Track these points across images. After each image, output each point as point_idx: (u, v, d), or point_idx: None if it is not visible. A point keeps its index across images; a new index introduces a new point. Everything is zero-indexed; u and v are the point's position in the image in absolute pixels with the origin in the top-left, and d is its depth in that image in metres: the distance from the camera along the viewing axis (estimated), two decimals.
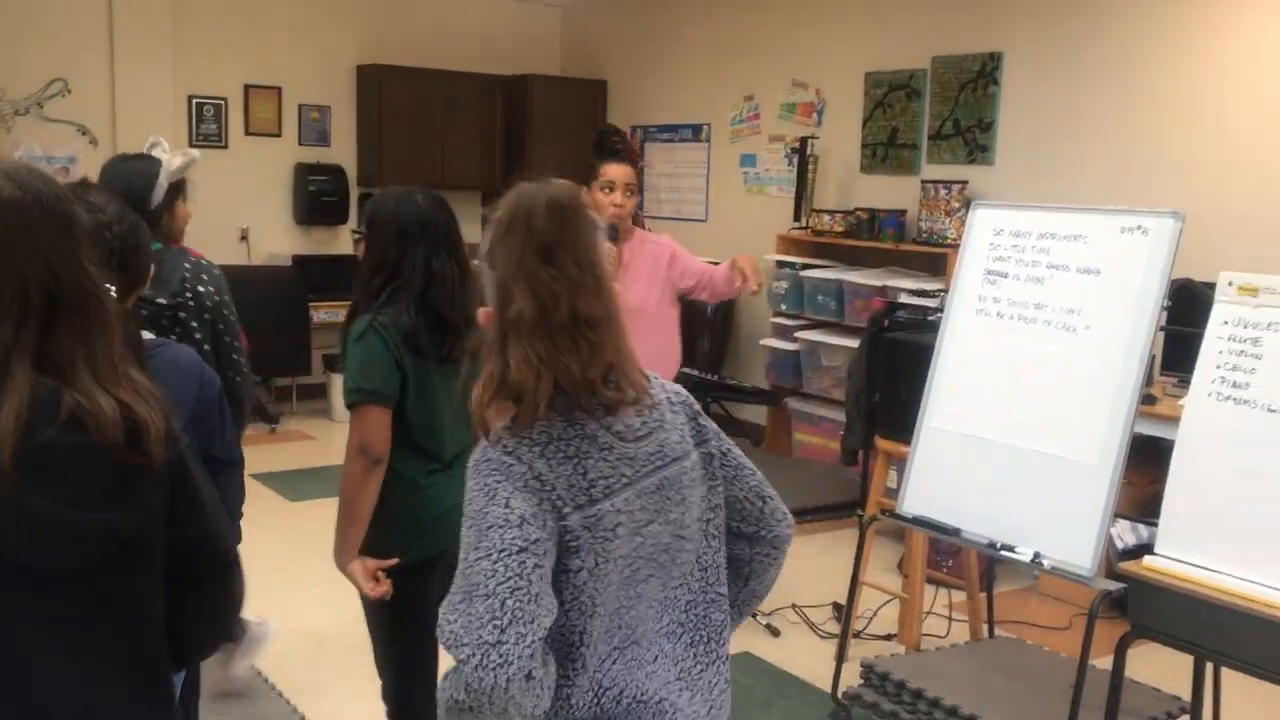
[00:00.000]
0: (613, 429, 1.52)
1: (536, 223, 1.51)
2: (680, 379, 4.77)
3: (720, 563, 1.67)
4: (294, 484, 6.17)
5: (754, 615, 4.47)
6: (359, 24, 8.11)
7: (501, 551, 1.39)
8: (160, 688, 1.41)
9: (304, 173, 7.95)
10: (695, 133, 7.98)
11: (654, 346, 3.66)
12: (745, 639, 4.36)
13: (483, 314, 1.56)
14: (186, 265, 3.05)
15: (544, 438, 1.47)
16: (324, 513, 5.63)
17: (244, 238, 7.80)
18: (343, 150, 8.18)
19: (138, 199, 2.90)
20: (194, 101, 7.60)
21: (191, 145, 7.62)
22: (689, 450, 1.62)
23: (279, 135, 7.93)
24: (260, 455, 6.72)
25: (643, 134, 8.42)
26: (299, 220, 8.01)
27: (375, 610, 2.67)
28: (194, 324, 3.02)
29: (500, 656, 1.35)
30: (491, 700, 1.35)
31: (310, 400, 7.89)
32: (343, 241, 8.16)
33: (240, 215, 7.79)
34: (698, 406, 1.72)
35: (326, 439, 7.27)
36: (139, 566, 1.35)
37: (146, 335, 2.23)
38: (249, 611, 3.65)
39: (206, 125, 7.67)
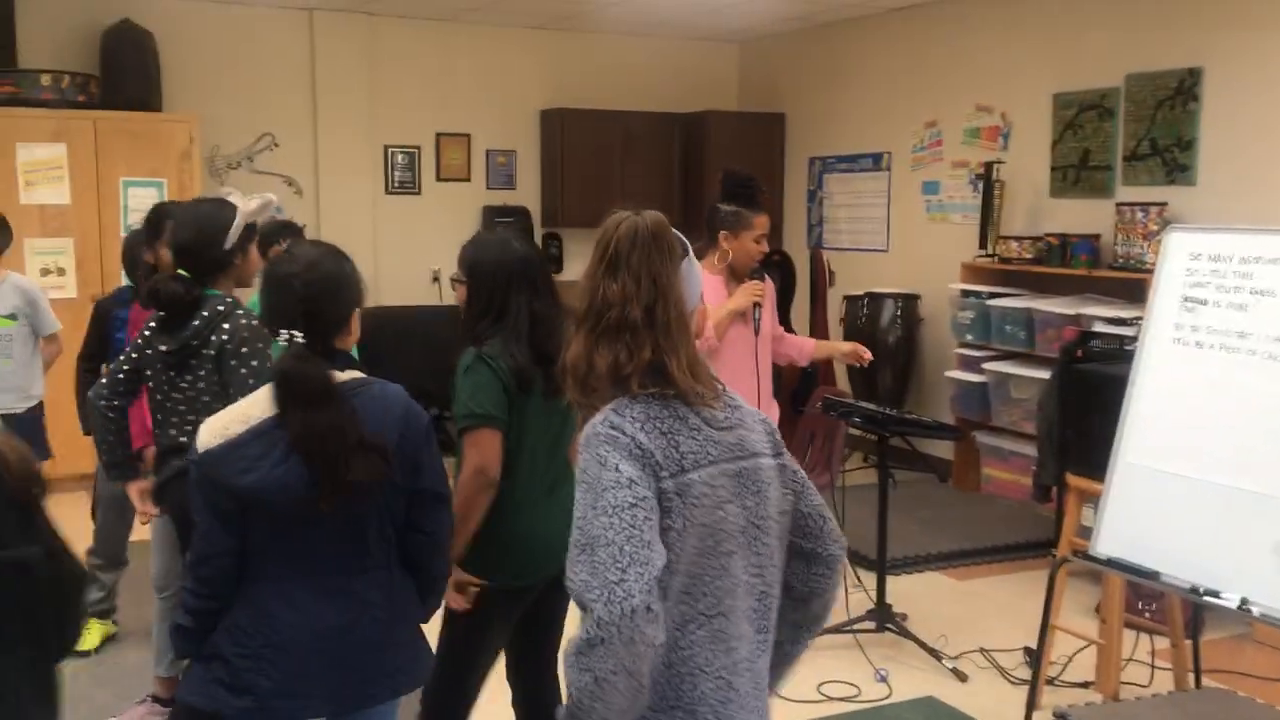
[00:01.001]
0: (701, 414, 1.75)
1: (621, 245, 1.81)
2: (848, 411, 4.70)
3: (781, 564, 1.85)
4: None
5: (938, 658, 4.32)
6: (542, 70, 8.37)
7: (616, 507, 1.62)
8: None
9: (491, 215, 8.22)
10: (875, 161, 7.86)
11: (771, 372, 4.25)
12: (929, 683, 4.22)
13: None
14: (218, 309, 3.05)
15: (642, 415, 1.71)
16: None
17: (435, 279, 8.11)
18: (527, 192, 8.42)
19: (207, 241, 3.06)
20: (389, 150, 7.98)
21: (388, 192, 8.02)
22: (767, 453, 1.82)
23: (468, 180, 8.24)
24: None
25: (821, 165, 8.36)
26: None
27: (448, 620, 2.82)
28: (201, 370, 3.05)
29: (624, 592, 1.56)
30: (620, 630, 1.55)
31: None
32: None
33: (432, 258, 8.11)
34: (774, 425, 1.90)
35: None
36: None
37: (354, 374, 2.33)
38: None
39: (401, 173, 8.04)
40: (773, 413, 4.39)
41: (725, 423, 1.78)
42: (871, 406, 4.77)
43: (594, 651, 1.57)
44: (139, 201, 6.71)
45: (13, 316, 4.69)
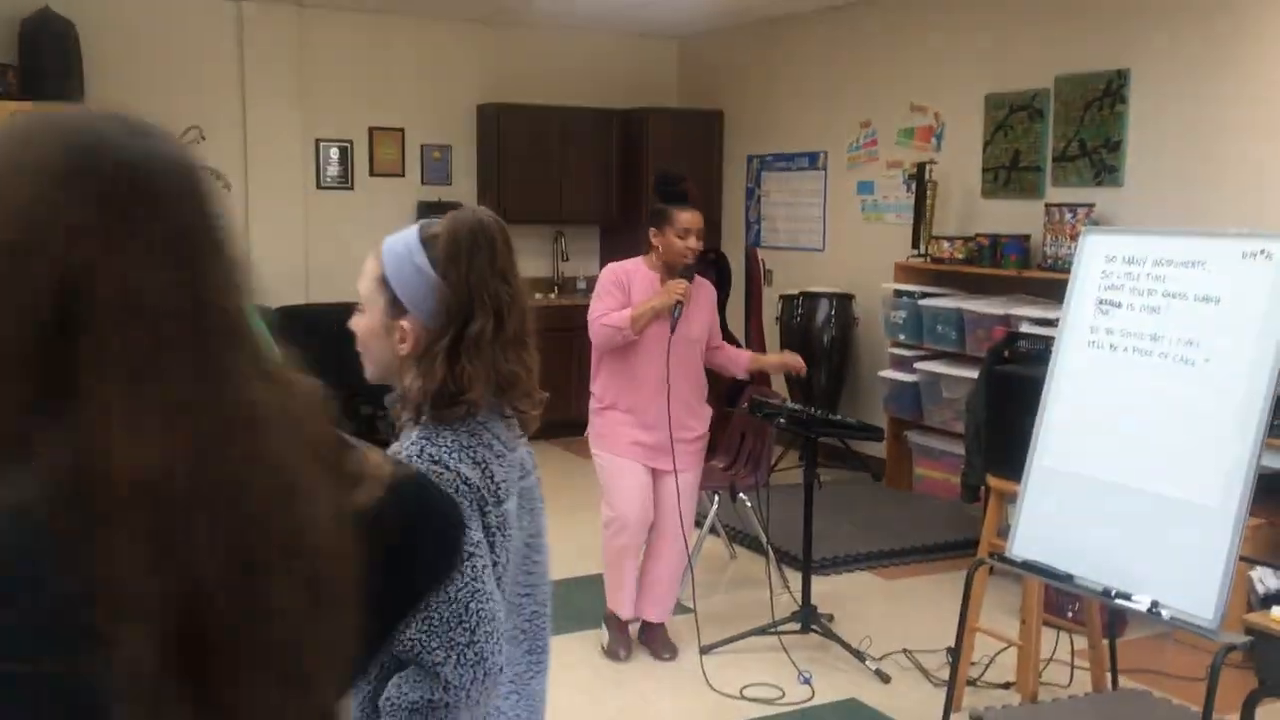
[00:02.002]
0: (500, 438, 1.61)
1: (496, 244, 1.59)
2: (773, 412, 4.70)
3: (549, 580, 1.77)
4: None
5: (862, 659, 4.31)
6: (478, 64, 8.27)
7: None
8: None
9: (426, 211, 8.10)
10: (812, 161, 7.86)
11: (696, 374, 4.33)
12: (851, 684, 4.20)
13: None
14: None
15: (457, 445, 1.55)
16: None
17: None
18: (463, 188, 8.33)
19: None
20: (321, 145, 7.85)
21: (319, 187, 7.89)
22: (533, 469, 1.73)
23: (402, 175, 8.13)
24: None
25: (759, 163, 8.34)
26: None
27: None
28: None
29: (475, 655, 1.44)
30: (470, 694, 1.44)
31: None
32: None
33: (365, 254, 7.96)
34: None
35: None
36: None
37: None
38: None
39: (333, 167, 7.91)
40: (700, 415, 4.37)
41: (512, 445, 1.66)
42: (796, 407, 4.76)
43: (434, 713, 1.46)
44: None
45: None
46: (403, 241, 1.65)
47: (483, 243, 1.60)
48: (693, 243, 4.16)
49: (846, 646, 4.39)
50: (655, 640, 4.47)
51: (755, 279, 7.67)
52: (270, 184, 7.66)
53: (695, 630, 4.45)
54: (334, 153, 7.91)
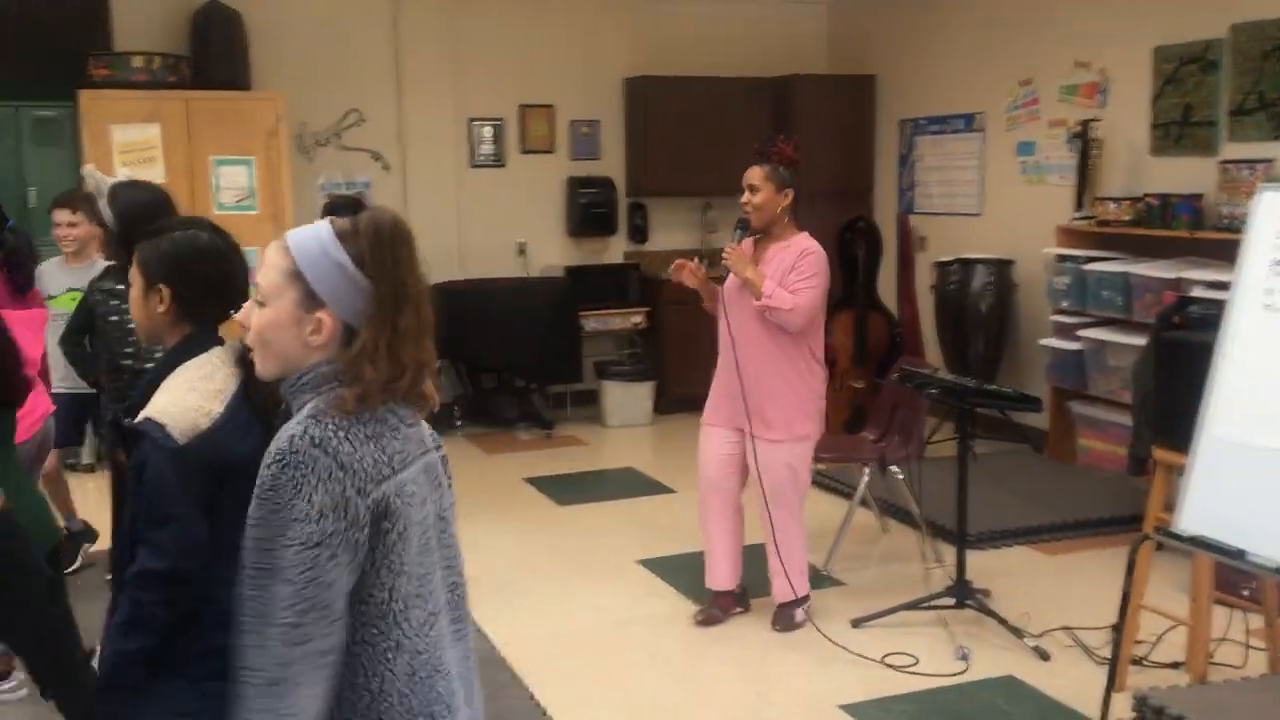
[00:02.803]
0: (397, 414, 1.67)
1: (410, 240, 1.66)
2: (924, 382, 4.57)
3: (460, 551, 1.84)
4: (563, 488, 6.36)
5: (1020, 636, 4.18)
6: (626, 38, 8.28)
7: (302, 544, 1.53)
8: None
9: (575, 186, 8.20)
10: (968, 123, 7.61)
11: (766, 336, 4.22)
12: (1009, 661, 4.09)
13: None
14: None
15: (346, 423, 1.59)
16: (589, 518, 5.81)
17: (522, 251, 8.13)
18: (611, 162, 8.37)
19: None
20: (474, 123, 8.01)
21: (473, 166, 8.05)
22: (433, 447, 1.78)
23: (552, 151, 8.22)
24: (534, 460, 6.99)
25: (912, 127, 8.12)
26: (571, 232, 8.27)
27: None
28: None
29: (301, 636, 1.53)
30: (292, 673, 1.53)
31: (582, 406, 8.13)
32: (612, 251, 8.37)
33: (518, 230, 8.13)
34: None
35: (597, 444, 7.46)
36: None
37: None
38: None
39: (485, 145, 8.06)
40: (779, 377, 4.25)
41: (412, 420, 1.71)
42: (948, 377, 4.63)
43: (272, 691, 1.55)
44: (229, 179, 6.86)
45: None
46: (315, 237, 1.65)
47: (402, 239, 1.65)
48: (746, 196, 4.23)
49: (1003, 623, 4.27)
50: (775, 613, 4.44)
51: (907, 246, 7.49)
52: (426, 164, 7.86)
53: (840, 604, 4.38)
54: (486, 131, 8.05)
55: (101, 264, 4.77)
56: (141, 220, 3.18)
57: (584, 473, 6.73)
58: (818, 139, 8.29)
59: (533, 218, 8.20)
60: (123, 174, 3.57)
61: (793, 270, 4.19)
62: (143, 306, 2.23)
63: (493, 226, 8.06)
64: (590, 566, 5.13)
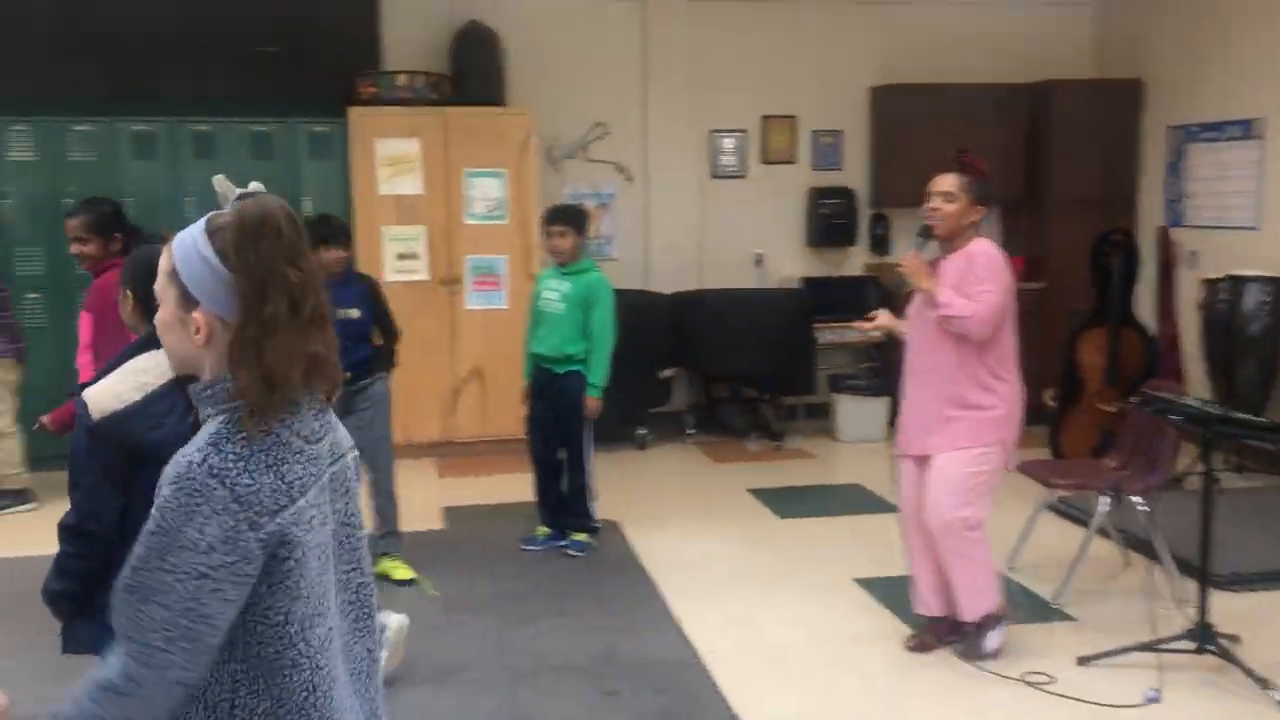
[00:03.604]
0: (300, 434, 1.63)
1: (283, 230, 1.60)
2: (1167, 408, 4.24)
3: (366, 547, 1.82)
4: (786, 501, 6.30)
5: (1267, 688, 3.81)
6: (871, 45, 8.14)
7: (186, 573, 1.51)
8: None
9: (816, 197, 8.13)
10: (1245, 129, 7.01)
11: (943, 350, 4.05)
12: (1249, 715, 3.73)
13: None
14: None
15: (247, 451, 1.56)
16: (809, 532, 5.74)
17: (759, 262, 8.14)
18: (854, 173, 8.24)
19: None
20: (715, 135, 8.08)
21: (714, 176, 8.12)
22: (349, 450, 1.77)
23: (793, 162, 8.18)
24: (760, 471, 6.97)
25: (1182, 135, 7.56)
26: (810, 243, 8.21)
27: None
28: None
29: (163, 661, 1.52)
30: (148, 693, 1.53)
31: (814, 420, 8.03)
32: (851, 263, 8.24)
33: (757, 240, 8.14)
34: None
35: (826, 459, 7.35)
36: None
37: None
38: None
39: (726, 156, 8.12)
40: (956, 397, 4.06)
41: (320, 433, 1.67)
42: (1193, 403, 4.27)
43: (115, 701, 1.54)
44: (481, 191, 7.22)
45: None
46: (190, 234, 1.63)
47: (269, 229, 1.60)
48: (937, 204, 4.06)
49: (1249, 673, 3.90)
50: (965, 639, 4.23)
51: (1167, 261, 6.98)
52: (667, 174, 8.00)
53: (1068, 639, 4.13)
54: (728, 142, 8.11)
55: None
56: None
57: (809, 487, 6.65)
58: (1075, 147, 7.89)
59: (771, 228, 8.19)
60: (254, 185, 3.88)
61: (969, 275, 4.00)
62: (121, 307, 2.65)
63: (731, 237, 8.11)
64: (804, 581, 5.07)
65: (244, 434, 1.56)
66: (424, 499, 6.23)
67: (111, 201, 4.79)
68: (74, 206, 4.85)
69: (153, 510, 1.55)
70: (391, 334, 5.14)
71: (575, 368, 5.29)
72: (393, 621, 4.05)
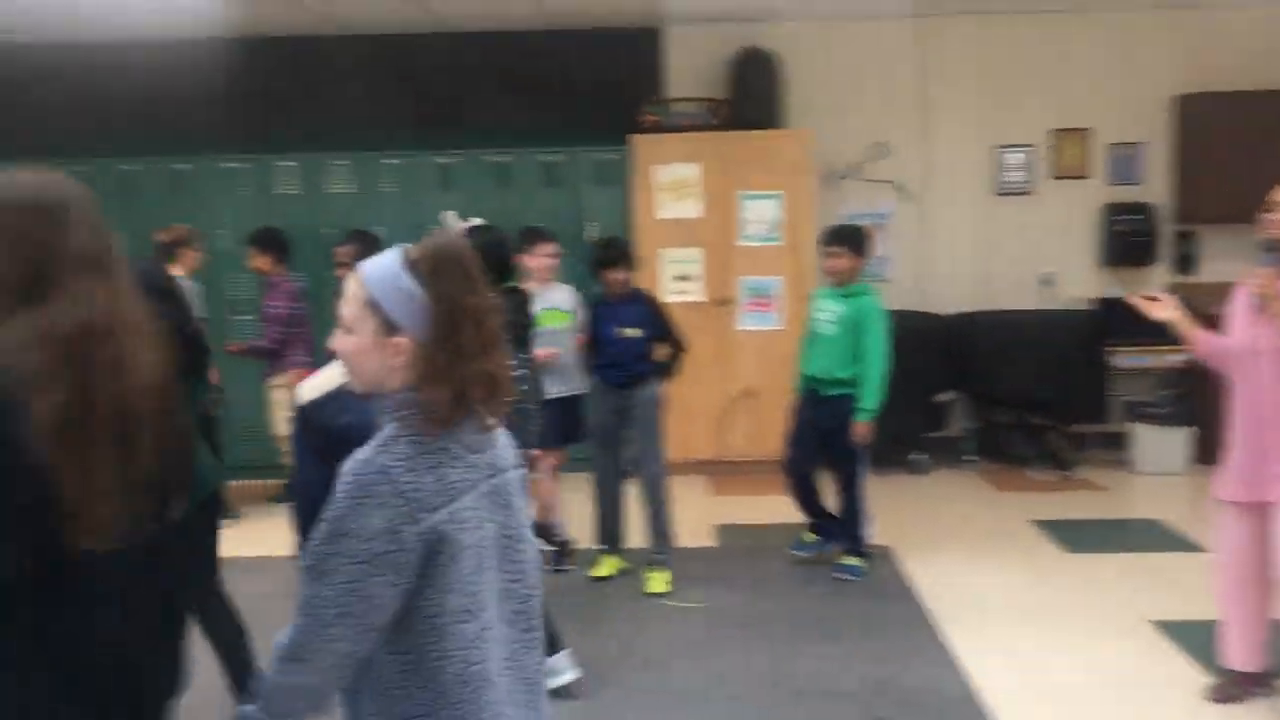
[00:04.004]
0: (463, 443, 1.79)
1: (468, 263, 1.79)
2: None
3: (539, 566, 1.96)
4: (1074, 534, 5.96)
5: None
6: (1174, 54, 7.63)
7: (351, 558, 1.69)
8: None
9: (1111, 213, 7.67)
10: None
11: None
12: None
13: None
14: None
15: (413, 453, 1.73)
16: (1099, 568, 5.41)
17: (1047, 282, 7.76)
18: (1154, 187, 7.73)
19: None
20: (999, 151, 7.79)
21: (997, 194, 7.84)
22: (511, 466, 1.90)
23: (1086, 177, 7.76)
24: (1046, 501, 6.63)
25: None
26: (1104, 262, 7.75)
27: None
28: None
29: (331, 635, 1.71)
30: (314, 663, 1.74)
31: (1107, 449, 7.55)
32: (1151, 283, 7.71)
33: (1044, 259, 7.78)
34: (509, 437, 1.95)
35: (1120, 491, 6.90)
36: None
37: None
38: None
39: (1012, 173, 7.81)
40: None
41: (480, 445, 1.82)
42: None
43: (289, 665, 1.76)
44: (756, 213, 7.28)
45: (570, 313, 5.55)
46: (385, 267, 1.79)
47: (457, 263, 1.78)
48: (1272, 214, 3.71)
49: None
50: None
51: None
52: (948, 193, 7.79)
53: None
54: (1013, 158, 7.80)
55: (563, 287, 5.62)
56: (488, 258, 3.63)
57: (1100, 520, 6.26)
58: None
59: (1061, 247, 7.80)
60: (474, 220, 4.28)
61: None
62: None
63: (1016, 256, 7.79)
64: (1093, 620, 4.77)
65: (413, 438, 1.75)
66: (695, 516, 6.32)
67: (373, 234, 5.71)
68: (344, 236, 5.68)
69: (330, 500, 1.73)
70: (679, 348, 5.30)
71: (845, 391, 5.22)
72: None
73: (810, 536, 5.52)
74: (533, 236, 5.71)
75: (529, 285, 5.65)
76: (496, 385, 1.80)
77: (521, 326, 4.25)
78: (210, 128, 7.72)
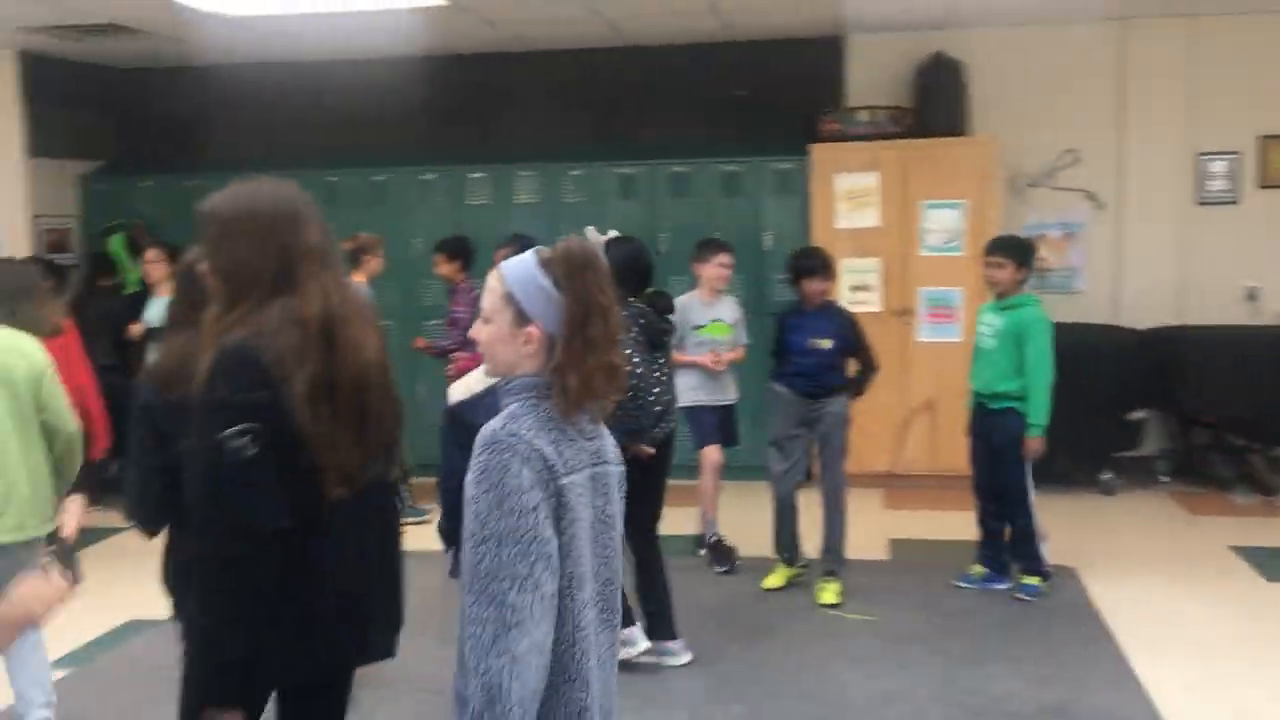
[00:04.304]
0: (575, 426, 1.97)
1: (598, 265, 1.98)
2: None
3: (621, 555, 2.11)
4: (1277, 563, 5.62)
5: None
6: None
7: (520, 511, 1.84)
8: None
9: None
10: None
11: None
12: None
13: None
14: None
15: (537, 424, 1.92)
16: None
17: (1252, 296, 7.34)
18: None
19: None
20: (1202, 158, 7.42)
21: (1199, 203, 7.47)
22: (614, 461, 2.07)
23: None
24: (1247, 527, 6.29)
25: None
26: None
27: None
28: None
29: (534, 583, 1.82)
30: (533, 613, 1.82)
31: None
32: None
33: (1249, 272, 7.36)
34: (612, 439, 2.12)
35: None
36: None
37: None
38: None
39: (1215, 181, 7.42)
40: None
41: (590, 434, 2.01)
42: None
43: (509, 635, 1.80)
44: (937, 222, 7.16)
45: (731, 326, 5.80)
46: (524, 265, 1.98)
47: (590, 264, 1.97)
48: None
49: None
50: None
51: None
52: (1144, 202, 7.46)
53: None
54: (1217, 166, 7.41)
55: (729, 300, 5.89)
56: (627, 267, 4.20)
57: None
58: None
59: (1270, 258, 7.36)
60: (611, 233, 4.38)
61: None
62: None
63: (1218, 268, 7.39)
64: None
65: (536, 416, 1.93)
66: (869, 529, 6.25)
67: (530, 237, 5.99)
68: (504, 240, 5.90)
69: (470, 480, 1.88)
70: (870, 367, 5.31)
71: (1010, 404, 5.10)
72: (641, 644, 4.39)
73: (978, 570, 5.38)
74: (708, 247, 5.84)
75: (700, 295, 5.79)
76: (616, 376, 1.99)
77: (660, 331, 4.46)
78: (407, 141, 8.10)
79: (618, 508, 2.08)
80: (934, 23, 7.36)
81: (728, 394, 5.78)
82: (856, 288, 7.22)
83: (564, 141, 7.91)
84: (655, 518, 4.53)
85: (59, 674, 4.50)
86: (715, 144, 7.64)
